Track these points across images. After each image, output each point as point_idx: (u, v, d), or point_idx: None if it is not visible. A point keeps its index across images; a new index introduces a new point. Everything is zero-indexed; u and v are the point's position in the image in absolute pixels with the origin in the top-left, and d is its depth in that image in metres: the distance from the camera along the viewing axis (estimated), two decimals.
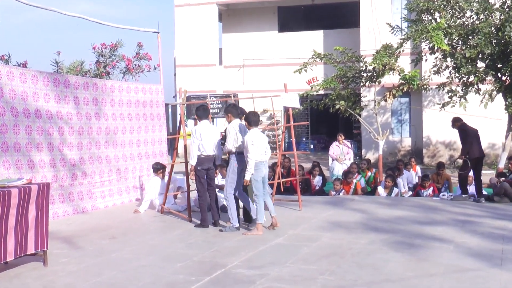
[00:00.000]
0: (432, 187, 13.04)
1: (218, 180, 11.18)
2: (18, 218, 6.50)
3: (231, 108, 9.09)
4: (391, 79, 18.79)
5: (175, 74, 29.99)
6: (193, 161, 9.24)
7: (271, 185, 12.07)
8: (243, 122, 9.07)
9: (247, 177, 8.70)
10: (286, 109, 11.70)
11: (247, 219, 9.48)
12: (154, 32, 13.30)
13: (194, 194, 10.87)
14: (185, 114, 12.15)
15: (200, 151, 9.26)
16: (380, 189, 13.14)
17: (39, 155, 10.10)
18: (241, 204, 9.66)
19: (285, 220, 9.82)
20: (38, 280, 6.38)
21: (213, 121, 9.42)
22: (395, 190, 13.06)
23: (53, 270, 6.80)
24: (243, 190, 9.19)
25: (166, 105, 14.15)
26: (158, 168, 11.49)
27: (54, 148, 10.48)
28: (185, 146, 10.62)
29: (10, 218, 6.38)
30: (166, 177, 11.28)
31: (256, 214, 8.85)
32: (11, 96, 9.55)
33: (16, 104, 9.66)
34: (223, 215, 9.92)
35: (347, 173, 13.86)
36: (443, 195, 12.47)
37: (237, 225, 8.93)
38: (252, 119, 8.97)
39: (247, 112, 9.70)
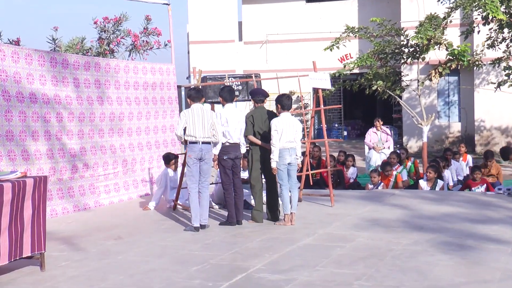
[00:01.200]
0: (485, 184, 12.82)
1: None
2: (12, 217, 6.51)
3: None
4: (437, 55, 18.62)
5: (188, 52, 30.05)
6: (216, 151, 9.39)
7: (299, 178, 12.04)
8: (259, 105, 9.36)
9: (273, 164, 9.15)
10: (315, 91, 11.67)
11: (273, 216, 9.68)
12: (164, 3, 13.32)
13: (211, 188, 10.88)
14: None
15: (226, 138, 9.38)
16: (422, 183, 13.02)
17: (34, 144, 10.16)
18: (265, 199, 9.86)
19: (315, 218, 9.84)
20: (34, 287, 6.41)
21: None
22: (439, 183, 12.91)
23: (51, 275, 6.81)
24: (269, 181, 9.55)
25: (179, 87, 14.16)
26: (170, 159, 11.51)
27: (52, 137, 10.55)
28: None
29: (3, 217, 6.38)
30: (179, 169, 11.32)
31: (282, 205, 9.22)
32: (2, 78, 9.61)
33: (8, 87, 9.71)
34: (246, 213, 10.02)
35: (386, 164, 13.81)
36: (499, 188, 12.31)
37: (196, 224, 9.08)
38: (285, 103, 9.31)
39: (268, 94, 9.94)
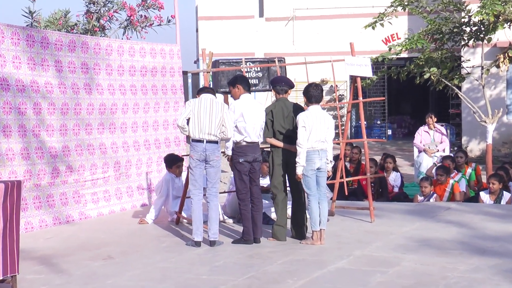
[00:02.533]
0: None
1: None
2: None
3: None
4: (507, 35, 18.44)
5: (197, 30, 30.10)
6: (228, 151, 9.51)
7: (331, 186, 12.07)
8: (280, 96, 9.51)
9: (299, 170, 9.17)
10: (353, 80, 11.64)
11: (299, 234, 9.71)
12: None
13: (223, 198, 10.93)
14: (211, 85, 12.00)
15: (243, 136, 9.43)
16: (484, 195, 12.94)
17: (6, 142, 10.18)
18: (289, 212, 9.91)
19: (350, 236, 9.83)
20: None
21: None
22: (506, 195, 12.81)
23: None
24: (295, 191, 9.62)
25: (185, 73, 14.21)
26: (173, 162, 11.52)
27: (28, 133, 10.57)
28: None
29: None
30: (184, 174, 11.27)
31: (309, 219, 9.30)
32: None
33: None
34: (266, 229, 10.00)
35: (440, 168, 13.71)
36: None
37: (198, 239, 9.23)
38: (312, 94, 9.35)
39: (294, 83, 9.96)
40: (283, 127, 9.58)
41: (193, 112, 9.22)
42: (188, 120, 9.25)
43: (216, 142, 9.32)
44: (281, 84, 9.73)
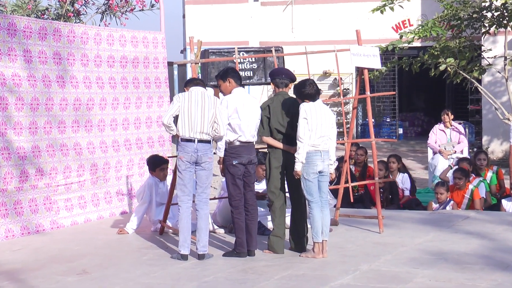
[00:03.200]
0: None
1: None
2: None
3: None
4: None
5: (184, 16, 30.04)
6: (221, 152, 9.46)
7: (335, 192, 12.05)
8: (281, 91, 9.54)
9: (298, 167, 9.14)
10: (359, 72, 11.65)
11: (299, 245, 9.69)
12: None
13: (213, 205, 10.92)
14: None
15: (237, 136, 9.38)
16: (506, 203, 12.94)
17: None
18: (287, 221, 9.87)
19: (356, 248, 9.82)
20: None
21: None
22: None
23: None
24: (295, 197, 9.59)
25: (170, 64, 14.17)
26: (157, 164, 11.49)
27: None
28: None
29: None
30: (170, 178, 11.24)
31: (310, 228, 9.28)
32: None
33: None
34: (262, 240, 9.98)
35: (457, 171, 13.66)
36: None
37: (185, 252, 9.24)
38: (307, 92, 9.29)
39: (295, 76, 9.92)
40: (281, 124, 9.51)
41: (183, 108, 9.18)
42: (175, 117, 9.20)
43: (209, 142, 9.32)
44: (281, 76, 9.67)
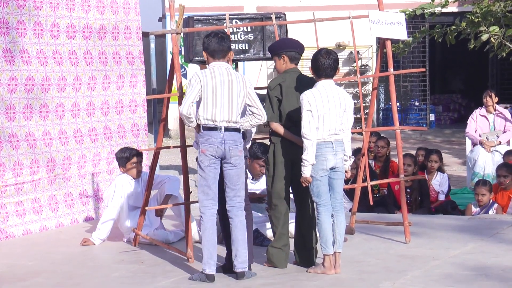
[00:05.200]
0: None
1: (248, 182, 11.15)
2: None
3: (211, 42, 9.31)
4: None
5: None
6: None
7: (351, 193, 12.28)
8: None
9: (307, 172, 8.98)
10: (380, 44, 11.61)
11: (305, 259, 9.63)
12: None
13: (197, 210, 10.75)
14: (182, 52, 12.14)
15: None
16: None
17: None
18: (291, 229, 9.82)
19: (377, 262, 9.76)
20: None
21: (236, 65, 9.11)
22: None
23: None
24: (301, 200, 9.56)
25: (146, 35, 14.23)
26: (128, 158, 11.38)
27: None
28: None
29: None
30: (145, 176, 11.35)
31: (318, 238, 9.25)
32: None
33: None
34: (259, 252, 9.89)
35: (502, 167, 13.71)
36: None
37: (210, 271, 9.02)
38: (322, 64, 9.12)
39: (303, 48, 9.82)
40: (296, 110, 9.26)
41: (206, 91, 8.96)
42: (198, 103, 9.03)
43: (238, 131, 9.19)
44: (296, 48, 9.46)
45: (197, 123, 9.04)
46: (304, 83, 9.39)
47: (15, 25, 11.62)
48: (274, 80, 9.61)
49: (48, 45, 12.16)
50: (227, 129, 9.02)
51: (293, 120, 9.32)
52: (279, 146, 9.45)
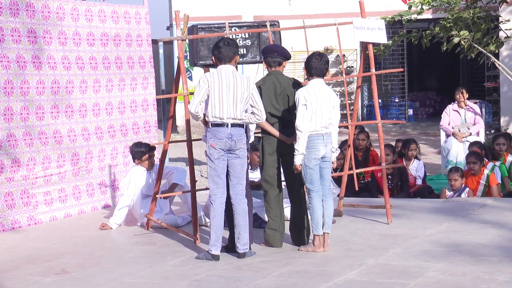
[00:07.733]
0: None
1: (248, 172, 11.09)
2: None
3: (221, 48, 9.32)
4: None
5: None
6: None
7: (337, 180, 12.14)
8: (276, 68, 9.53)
9: (298, 160, 9.12)
10: (363, 47, 11.65)
11: (298, 239, 9.73)
12: None
13: (204, 197, 10.95)
14: (187, 57, 12.08)
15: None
16: None
17: None
18: (287, 213, 9.91)
19: (362, 241, 9.86)
20: None
21: (236, 68, 9.36)
22: None
23: None
24: (293, 185, 9.58)
25: (155, 42, 14.11)
26: (142, 152, 11.46)
27: None
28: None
29: None
30: (156, 167, 11.32)
31: (310, 220, 9.38)
32: None
33: None
34: (258, 233, 9.95)
35: (471, 155, 13.70)
36: None
37: (216, 252, 9.16)
38: (314, 65, 9.31)
39: (290, 54, 9.90)
40: (275, 108, 9.48)
41: (213, 91, 9.09)
42: (206, 102, 9.13)
43: (242, 126, 9.26)
44: (273, 54, 9.62)
45: (205, 119, 9.17)
46: (284, 84, 9.53)
47: (42, 34, 11.67)
48: (256, 83, 9.60)
49: (71, 52, 12.17)
50: (233, 125, 9.11)
51: (275, 116, 9.47)
52: (267, 139, 9.56)
